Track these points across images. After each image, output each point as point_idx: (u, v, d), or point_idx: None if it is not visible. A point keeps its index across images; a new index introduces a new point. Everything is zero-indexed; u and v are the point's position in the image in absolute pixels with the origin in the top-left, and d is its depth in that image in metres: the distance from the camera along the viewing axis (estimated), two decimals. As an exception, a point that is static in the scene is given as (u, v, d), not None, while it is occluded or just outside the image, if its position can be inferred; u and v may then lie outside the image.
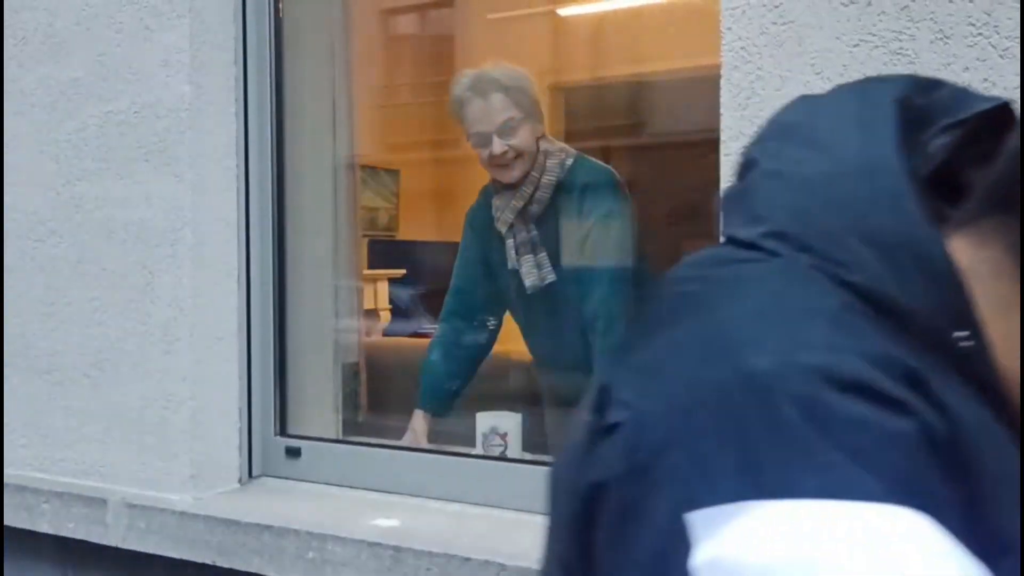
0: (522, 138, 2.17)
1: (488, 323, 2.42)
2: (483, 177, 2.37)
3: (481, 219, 2.35)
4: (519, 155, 2.18)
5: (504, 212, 2.22)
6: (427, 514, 1.76)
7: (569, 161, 2.23)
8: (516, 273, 2.25)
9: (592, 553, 0.51)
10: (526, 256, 2.21)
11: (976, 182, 0.55)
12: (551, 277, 2.21)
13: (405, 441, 2.25)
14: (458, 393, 2.39)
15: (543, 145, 2.23)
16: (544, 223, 2.23)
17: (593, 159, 2.33)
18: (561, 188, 2.22)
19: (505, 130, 2.16)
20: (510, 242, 2.24)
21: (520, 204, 2.20)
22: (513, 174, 2.19)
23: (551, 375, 2.41)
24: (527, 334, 2.40)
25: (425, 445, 2.23)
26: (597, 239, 2.22)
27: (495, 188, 2.27)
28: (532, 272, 2.20)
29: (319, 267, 2.23)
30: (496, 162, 2.19)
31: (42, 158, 2.05)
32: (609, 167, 2.31)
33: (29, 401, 2.09)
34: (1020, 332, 0.50)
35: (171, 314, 1.89)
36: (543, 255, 2.21)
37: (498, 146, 2.16)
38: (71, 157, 2.01)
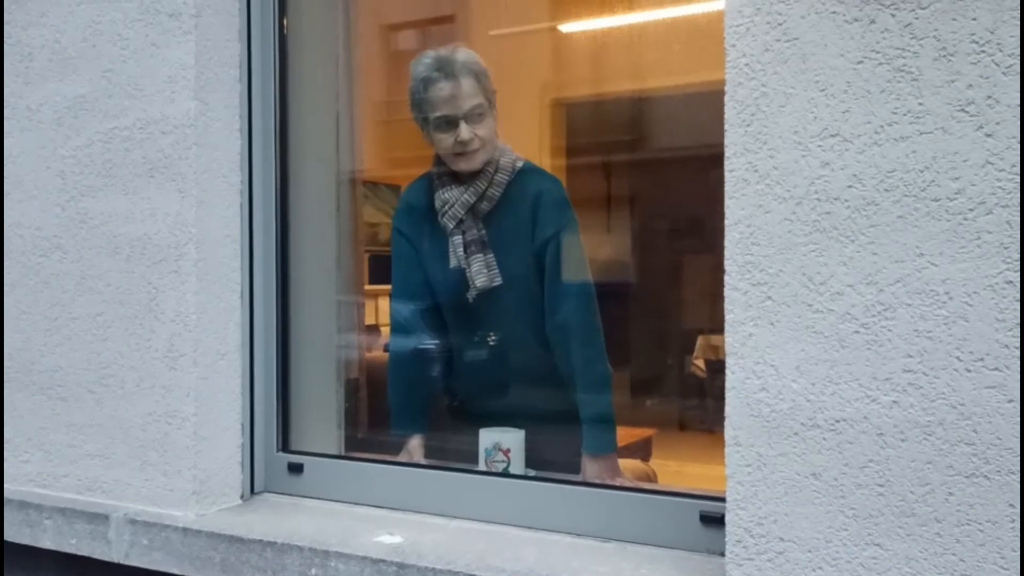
0: (488, 127, 2.12)
1: (438, 332, 2.33)
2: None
3: (414, 222, 2.27)
4: (483, 145, 2.11)
5: (454, 207, 2.13)
6: (430, 530, 1.75)
7: (520, 163, 2.17)
8: (457, 273, 2.16)
9: None
10: (476, 255, 2.12)
11: None
12: (499, 280, 2.13)
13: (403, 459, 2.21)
14: (428, 407, 2.31)
15: (497, 141, 2.17)
16: (492, 223, 2.15)
17: (542, 168, 2.26)
18: (510, 189, 2.14)
19: (473, 116, 2.10)
20: (457, 239, 2.14)
21: (472, 199, 2.12)
22: (474, 164, 2.12)
23: (487, 389, 2.30)
24: (461, 344, 2.30)
25: (422, 462, 2.20)
26: (563, 252, 2.13)
27: (440, 183, 2.18)
28: (482, 272, 2.11)
29: (322, 283, 2.24)
30: (460, 149, 2.11)
31: (47, 174, 2.05)
32: (557, 178, 2.24)
33: (32, 417, 2.09)
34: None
35: (175, 330, 1.89)
36: (491, 256, 2.13)
37: (466, 132, 2.08)
38: (76, 173, 2.01)
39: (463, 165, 2.13)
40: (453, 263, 2.15)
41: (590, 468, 2.08)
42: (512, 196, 2.14)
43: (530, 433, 2.05)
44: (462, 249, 2.13)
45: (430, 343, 2.34)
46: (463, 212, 2.12)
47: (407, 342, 2.34)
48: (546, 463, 2.05)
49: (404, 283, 2.35)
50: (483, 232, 2.13)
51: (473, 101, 2.10)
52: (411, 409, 2.30)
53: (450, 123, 2.11)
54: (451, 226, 2.15)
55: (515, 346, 2.24)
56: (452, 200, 2.13)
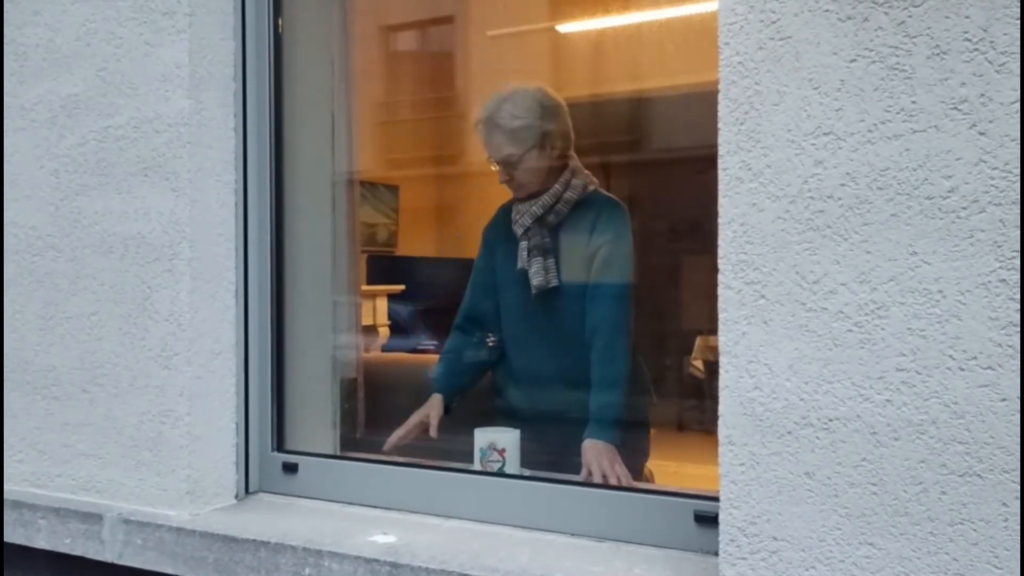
0: (523, 169, 2.36)
1: (493, 326, 2.56)
2: (480, 193, 2.43)
3: (496, 230, 2.54)
4: (522, 183, 2.37)
5: (523, 216, 2.38)
6: (424, 530, 1.75)
7: (591, 188, 2.41)
8: (524, 275, 2.37)
9: None
10: (536, 258, 2.35)
11: None
12: (555, 281, 2.35)
13: (415, 418, 2.39)
14: (467, 389, 2.55)
15: (572, 163, 2.40)
16: (558, 234, 2.38)
17: (611, 195, 2.50)
18: (579, 207, 2.37)
19: (507, 164, 2.36)
20: (523, 243, 2.38)
21: (539, 211, 2.36)
22: (519, 194, 2.40)
23: (531, 388, 2.49)
24: (516, 342, 2.50)
25: (434, 430, 2.36)
26: (606, 260, 2.35)
27: (518, 198, 2.44)
28: (539, 273, 2.34)
29: (318, 282, 2.23)
30: (504, 183, 2.41)
31: (41, 173, 2.05)
32: (622, 203, 2.46)
33: (26, 416, 2.08)
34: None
35: (169, 329, 1.89)
36: (551, 261, 2.35)
37: (501, 176, 2.39)
38: (70, 172, 2.01)
39: (513, 192, 2.43)
40: (519, 265, 2.39)
41: (590, 451, 2.12)
42: (580, 213, 2.38)
43: (568, 433, 2.21)
44: (526, 253, 2.37)
45: (487, 332, 2.59)
46: (530, 222, 2.37)
47: (470, 324, 2.60)
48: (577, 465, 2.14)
49: (477, 279, 2.61)
50: (547, 240, 2.37)
51: (504, 152, 2.35)
52: (451, 372, 2.55)
53: (494, 163, 2.41)
54: (519, 233, 2.40)
55: (565, 348, 2.39)
56: (523, 211, 2.39)
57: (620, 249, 2.37)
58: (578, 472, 2.08)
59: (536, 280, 2.33)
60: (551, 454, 2.27)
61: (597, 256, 2.35)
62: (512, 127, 2.36)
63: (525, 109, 2.38)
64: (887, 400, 1.24)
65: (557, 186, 2.36)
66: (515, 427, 2.10)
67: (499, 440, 2.02)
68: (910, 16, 1.23)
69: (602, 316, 2.30)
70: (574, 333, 2.36)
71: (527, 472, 2.02)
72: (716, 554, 1.39)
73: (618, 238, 2.37)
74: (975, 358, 1.19)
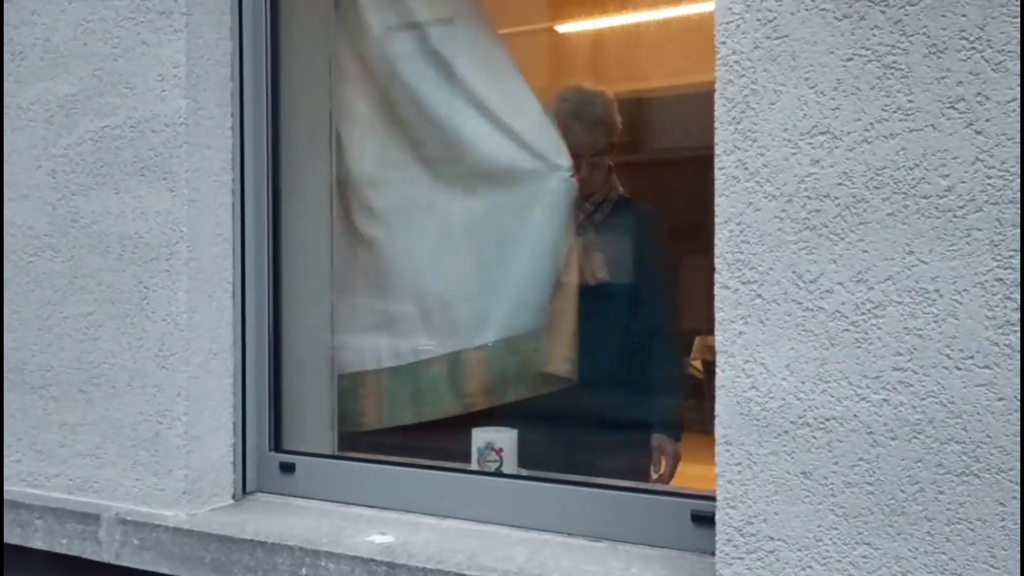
0: (604, 166, 2.45)
1: None
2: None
3: None
4: (598, 180, 2.44)
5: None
6: (422, 530, 1.75)
7: (621, 190, 2.49)
8: None
9: None
10: (594, 253, 2.41)
11: None
12: (604, 277, 2.41)
13: None
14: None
15: (610, 164, 2.48)
16: (601, 233, 2.45)
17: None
18: (617, 208, 2.46)
19: (594, 162, 2.42)
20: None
21: (591, 208, 2.43)
22: (586, 191, 2.40)
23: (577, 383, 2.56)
24: None
25: None
26: (658, 264, 2.49)
27: (582, 196, 2.48)
28: (599, 268, 2.41)
29: (315, 282, 2.23)
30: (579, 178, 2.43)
31: (38, 173, 2.05)
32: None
33: (23, 416, 2.08)
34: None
35: (166, 329, 1.88)
36: (599, 257, 2.42)
37: (585, 170, 2.38)
38: (67, 172, 2.01)
39: (581, 189, 2.41)
40: None
41: (668, 446, 2.39)
42: (618, 214, 2.47)
43: (596, 432, 2.34)
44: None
45: None
46: (581, 218, 2.41)
47: None
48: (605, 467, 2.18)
49: None
50: (595, 237, 2.43)
51: (595, 149, 2.42)
52: None
53: (575, 160, 2.39)
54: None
55: (601, 345, 2.45)
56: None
57: (664, 255, 2.51)
58: (586, 472, 2.08)
59: (597, 275, 2.40)
60: (567, 452, 2.31)
61: (648, 260, 2.47)
62: (610, 122, 2.46)
63: (612, 105, 2.48)
64: (884, 400, 1.24)
65: (605, 185, 2.45)
66: (532, 426, 2.10)
67: (497, 439, 2.01)
68: (907, 14, 1.22)
69: (662, 319, 2.45)
70: (611, 331, 2.44)
71: (524, 472, 2.01)
72: (713, 554, 1.39)
73: (663, 243, 2.51)
74: (972, 357, 1.19)
